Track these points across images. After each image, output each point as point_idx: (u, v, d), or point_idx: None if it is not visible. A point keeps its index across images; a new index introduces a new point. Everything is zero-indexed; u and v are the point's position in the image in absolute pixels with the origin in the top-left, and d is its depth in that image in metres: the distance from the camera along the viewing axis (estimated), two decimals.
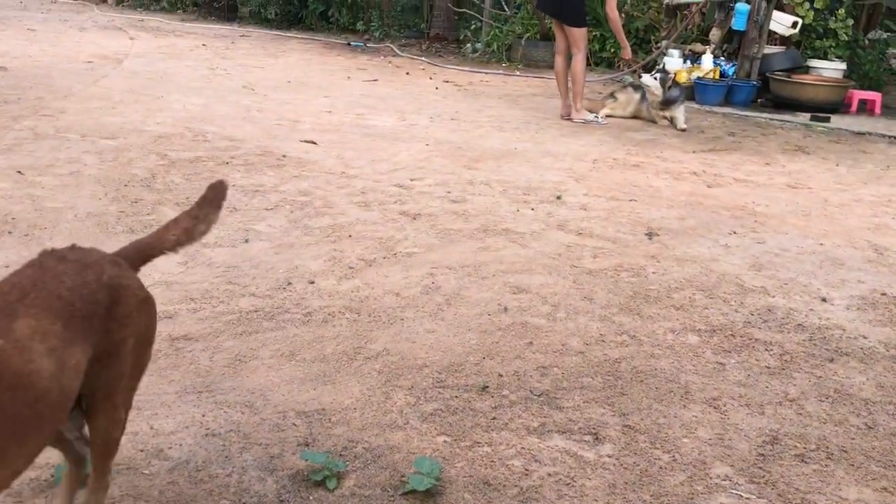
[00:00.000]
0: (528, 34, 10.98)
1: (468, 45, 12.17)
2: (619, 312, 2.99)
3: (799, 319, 3.00)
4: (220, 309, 2.82)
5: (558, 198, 4.53)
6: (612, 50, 10.74)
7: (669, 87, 6.85)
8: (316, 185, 4.51)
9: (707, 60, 8.50)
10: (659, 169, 5.36)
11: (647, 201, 4.56)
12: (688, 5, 9.71)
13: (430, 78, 9.36)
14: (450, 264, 3.38)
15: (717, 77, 8.46)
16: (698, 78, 8.32)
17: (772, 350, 2.74)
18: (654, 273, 3.41)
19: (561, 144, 6.00)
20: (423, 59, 11.16)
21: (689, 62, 8.71)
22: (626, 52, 7.22)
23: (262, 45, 11.90)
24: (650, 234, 3.95)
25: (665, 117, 6.93)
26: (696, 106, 8.06)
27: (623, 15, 10.34)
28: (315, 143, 5.61)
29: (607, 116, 7.22)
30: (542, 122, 6.84)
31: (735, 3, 8.60)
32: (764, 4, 8.31)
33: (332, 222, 3.87)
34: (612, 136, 6.41)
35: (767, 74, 8.35)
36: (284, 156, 5.17)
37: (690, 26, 10.01)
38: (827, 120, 7.46)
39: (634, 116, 7.18)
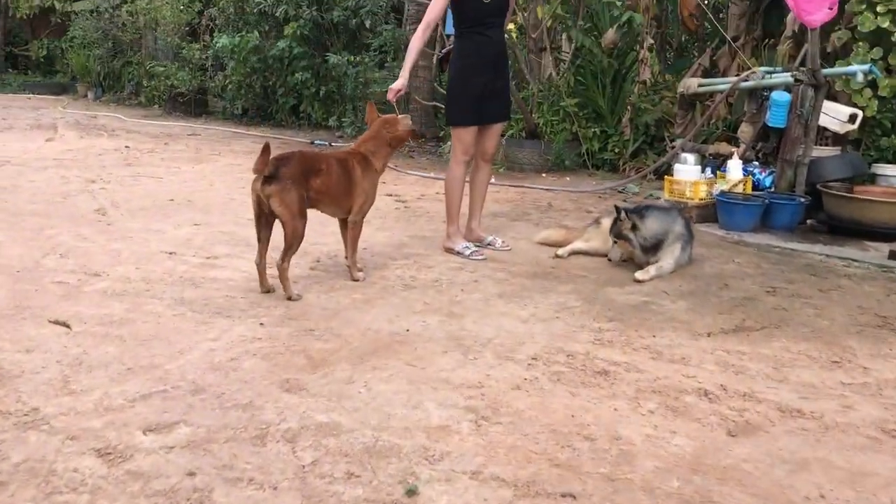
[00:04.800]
0: (512, 131, 8.85)
1: (447, 143, 10.09)
2: None
3: None
4: None
5: (409, 493, 2.18)
6: (615, 150, 8.52)
7: (635, 228, 4.55)
8: None
9: (734, 168, 6.22)
10: (643, 382, 3.01)
11: (598, 495, 2.19)
12: (709, 95, 7.52)
13: None
14: None
15: (748, 191, 6.15)
16: (722, 192, 6.00)
17: None
18: None
19: (490, 317, 3.70)
20: None
21: (709, 170, 6.42)
22: (393, 86, 4.57)
23: (201, 146, 9.97)
24: None
25: (649, 262, 4.60)
26: (721, 233, 5.72)
27: (629, 107, 8.19)
28: (69, 326, 3.39)
29: (577, 253, 4.93)
30: (480, 269, 4.56)
31: (770, 91, 6.36)
32: (811, 93, 6.03)
33: None
34: (583, 297, 4.09)
35: (819, 186, 6.01)
36: None
37: (714, 120, 7.80)
38: None
39: (626, 257, 4.86)
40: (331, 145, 10.52)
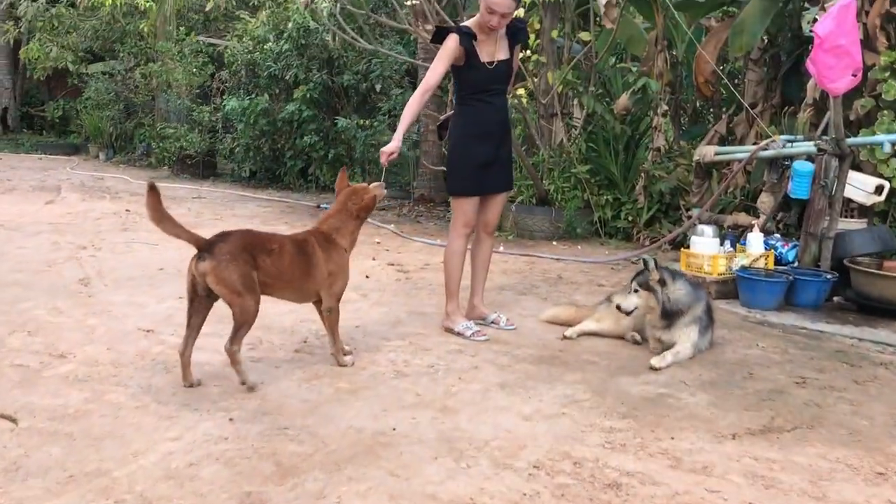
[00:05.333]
0: (522, 197, 8.56)
1: None
2: None
3: None
4: None
5: None
6: (629, 218, 8.21)
7: (662, 283, 4.19)
8: None
9: (755, 241, 5.86)
10: (659, 499, 2.62)
11: None
12: (727, 163, 7.22)
13: (374, 258, 6.90)
14: None
15: (770, 266, 5.78)
16: (743, 268, 5.64)
17: None
18: None
19: (489, 413, 3.32)
20: (389, 227, 8.81)
21: (728, 242, 6.06)
22: (385, 149, 4.20)
23: (203, 210, 9.75)
24: None
25: (660, 341, 4.25)
26: (743, 311, 5.34)
27: (643, 174, 7.90)
28: (15, 421, 3.04)
29: (587, 334, 4.55)
30: (482, 353, 4.19)
31: (791, 160, 6.05)
32: (835, 163, 5.71)
33: None
34: (593, 388, 3.71)
35: (846, 262, 5.64)
36: None
37: (731, 189, 7.48)
38: None
39: (640, 339, 4.49)
40: None
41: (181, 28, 15.46)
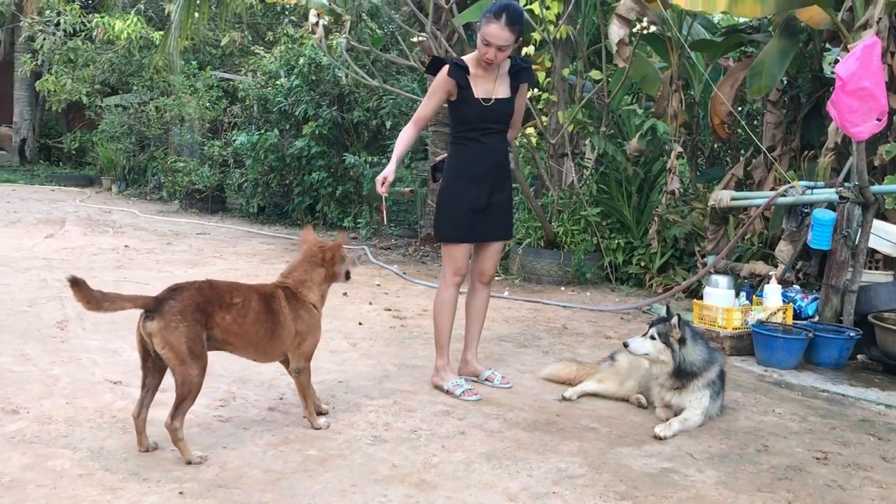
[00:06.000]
0: (529, 240, 8.25)
1: None
2: None
3: None
4: None
5: None
6: (641, 263, 7.86)
7: (682, 343, 3.84)
8: None
9: (773, 293, 5.49)
10: None
11: None
12: (744, 209, 6.88)
13: (371, 302, 6.59)
14: None
15: (789, 320, 5.41)
16: (760, 322, 5.27)
17: None
18: None
19: (470, 491, 2.98)
20: (392, 268, 8.52)
21: (744, 294, 5.70)
22: (378, 178, 4.01)
23: (204, 247, 9.53)
24: None
25: (668, 405, 3.89)
26: (759, 370, 4.97)
27: (656, 218, 7.57)
28: None
29: (588, 395, 4.20)
30: (471, 415, 3.85)
31: (811, 207, 5.71)
32: (858, 212, 5.36)
33: None
34: (589, 460, 3.35)
35: (870, 318, 5.26)
36: None
37: (749, 236, 7.13)
38: None
39: (645, 402, 4.13)
40: None
41: (193, 62, 15.43)
